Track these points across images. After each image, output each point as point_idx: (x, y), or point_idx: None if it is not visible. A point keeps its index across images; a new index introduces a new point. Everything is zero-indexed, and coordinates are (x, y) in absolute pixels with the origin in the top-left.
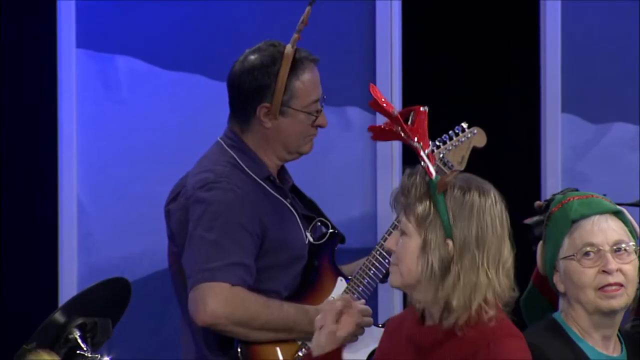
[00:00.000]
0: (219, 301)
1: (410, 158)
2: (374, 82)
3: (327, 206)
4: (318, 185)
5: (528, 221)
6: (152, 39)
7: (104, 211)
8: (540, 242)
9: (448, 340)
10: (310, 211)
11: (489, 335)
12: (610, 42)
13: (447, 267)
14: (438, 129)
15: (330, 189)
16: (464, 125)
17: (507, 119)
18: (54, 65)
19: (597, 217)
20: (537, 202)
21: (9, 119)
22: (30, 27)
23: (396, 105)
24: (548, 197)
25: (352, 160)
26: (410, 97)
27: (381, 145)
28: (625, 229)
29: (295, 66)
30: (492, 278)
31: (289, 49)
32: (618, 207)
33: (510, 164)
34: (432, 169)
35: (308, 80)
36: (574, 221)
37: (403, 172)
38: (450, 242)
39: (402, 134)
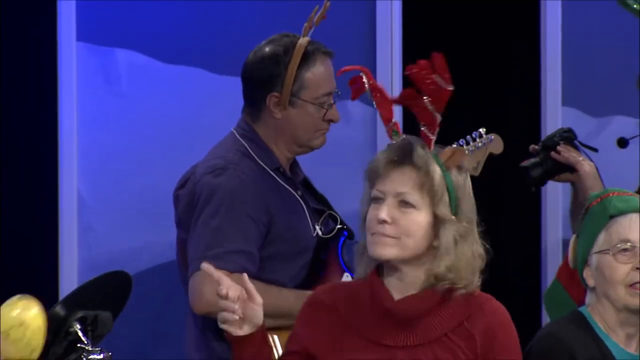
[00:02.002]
0: (214, 290)
1: None
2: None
3: (329, 200)
4: (319, 179)
5: (525, 163)
6: (152, 33)
7: (104, 205)
8: (574, 236)
9: (437, 309)
10: (322, 206)
11: (476, 300)
12: (610, 36)
13: (455, 242)
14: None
15: (332, 183)
16: (482, 130)
17: (508, 113)
18: (54, 59)
19: (635, 214)
20: (532, 146)
21: (9, 113)
22: (30, 21)
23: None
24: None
25: (353, 153)
26: None
27: (382, 138)
28: None
29: (307, 57)
30: (482, 248)
31: (302, 40)
32: None
33: (511, 158)
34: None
35: (319, 72)
36: (612, 216)
37: None
38: (455, 218)
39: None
